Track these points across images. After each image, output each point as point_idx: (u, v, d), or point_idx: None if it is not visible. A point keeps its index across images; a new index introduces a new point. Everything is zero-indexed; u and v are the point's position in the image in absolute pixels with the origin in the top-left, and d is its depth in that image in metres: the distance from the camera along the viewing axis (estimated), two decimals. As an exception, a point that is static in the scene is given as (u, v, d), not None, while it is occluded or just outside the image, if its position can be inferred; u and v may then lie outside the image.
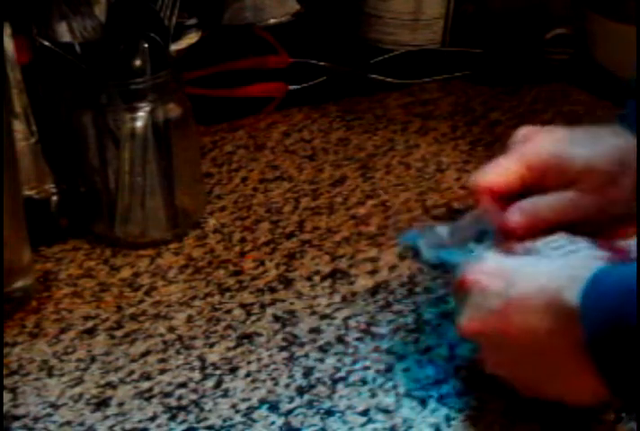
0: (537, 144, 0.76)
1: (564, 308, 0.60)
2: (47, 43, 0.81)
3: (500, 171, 0.75)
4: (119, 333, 0.75)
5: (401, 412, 0.67)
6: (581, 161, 0.73)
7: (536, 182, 0.74)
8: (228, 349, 0.73)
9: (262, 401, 0.68)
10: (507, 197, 0.75)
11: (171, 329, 0.75)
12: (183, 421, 0.67)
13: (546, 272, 0.64)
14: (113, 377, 0.71)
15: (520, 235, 0.73)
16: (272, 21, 1.12)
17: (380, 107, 1.06)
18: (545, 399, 0.65)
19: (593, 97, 1.06)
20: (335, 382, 0.70)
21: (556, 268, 0.64)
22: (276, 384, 0.70)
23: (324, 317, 0.76)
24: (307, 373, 0.71)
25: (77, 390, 0.70)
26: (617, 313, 0.57)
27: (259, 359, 0.72)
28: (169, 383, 0.70)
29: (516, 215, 0.74)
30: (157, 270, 0.82)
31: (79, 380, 0.70)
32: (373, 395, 0.69)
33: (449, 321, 0.72)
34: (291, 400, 0.68)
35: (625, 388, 0.59)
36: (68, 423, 0.67)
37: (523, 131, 0.77)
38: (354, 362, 0.72)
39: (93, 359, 0.72)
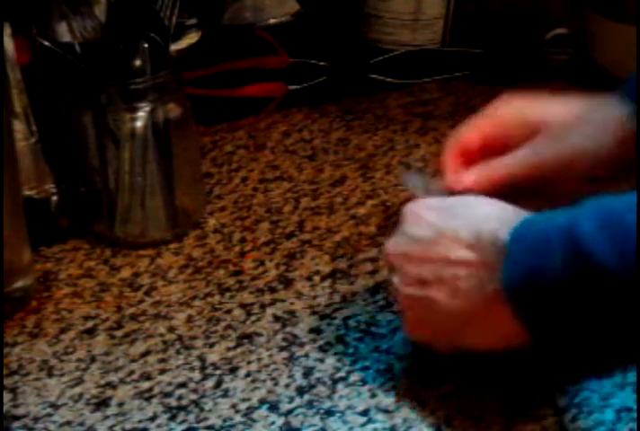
0: (507, 104, 0.76)
1: (490, 247, 0.61)
2: (47, 43, 0.81)
3: (464, 130, 0.76)
4: (119, 333, 0.75)
5: (401, 412, 0.67)
6: (537, 113, 0.73)
7: (499, 139, 0.74)
8: (228, 349, 0.73)
9: (262, 401, 0.68)
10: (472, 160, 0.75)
11: (171, 329, 0.75)
12: (183, 421, 0.67)
13: (483, 212, 0.64)
14: (113, 377, 0.71)
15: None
16: (272, 21, 1.12)
17: (380, 107, 1.06)
18: (460, 351, 0.66)
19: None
20: (335, 382, 0.70)
21: (494, 210, 0.65)
22: (276, 384, 0.70)
23: (324, 317, 0.76)
24: (307, 373, 0.71)
25: (77, 390, 0.70)
26: (540, 258, 0.58)
27: (259, 359, 0.72)
28: (169, 383, 0.70)
29: (471, 174, 0.73)
30: (157, 270, 0.82)
31: (79, 380, 0.70)
32: (373, 395, 0.69)
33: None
34: (291, 400, 0.68)
35: (541, 330, 0.59)
36: (68, 423, 0.67)
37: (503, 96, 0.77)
38: (354, 362, 0.72)
39: (93, 359, 0.72)
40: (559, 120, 0.72)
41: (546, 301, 0.58)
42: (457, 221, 0.64)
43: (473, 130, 0.76)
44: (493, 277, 0.60)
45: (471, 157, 0.75)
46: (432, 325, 0.66)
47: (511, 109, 0.75)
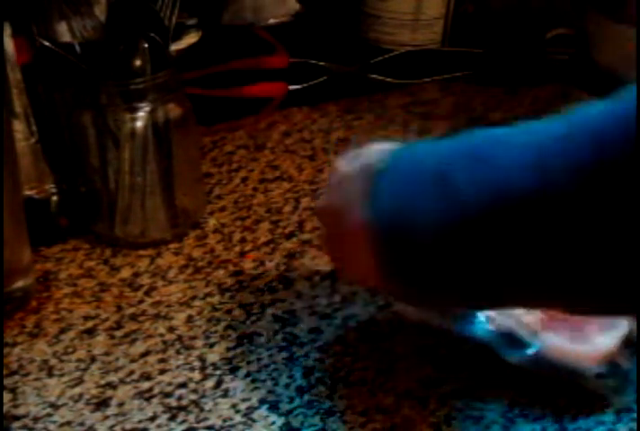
0: None
1: (367, 177, 0.60)
2: (47, 43, 0.81)
3: None
4: (119, 333, 0.75)
5: (401, 412, 0.67)
6: None
7: None
8: (228, 349, 0.73)
9: (262, 401, 0.68)
10: None
11: (171, 329, 0.75)
12: (183, 421, 0.67)
13: (377, 150, 0.64)
14: (113, 377, 0.71)
15: None
16: (272, 21, 1.12)
17: (380, 107, 1.06)
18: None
19: (593, 97, 1.06)
20: (335, 382, 0.70)
21: (387, 146, 0.64)
22: (276, 384, 0.70)
23: (324, 317, 0.76)
24: (307, 373, 0.71)
25: (77, 390, 0.70)
26: (409, 197, 0.56)
27: (259, 359, 0.72)
28: (169, 383, 0.70)
29: None
30: (157, 270, 0.82)
31: (79, 380, 0.71)
32: (373, 395, 0.69)
33: (449, 320, 0.73)
34: (291, 400, 0.68)
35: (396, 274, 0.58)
36: (68, 423, 0.67)
37: None
38: (354, 362, 0.72)
39: (93, 359, 0.72)
40: None
41: (408, 234, 0.56)
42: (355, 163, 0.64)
43: None
44: (362, 203, 0.59)
45: None
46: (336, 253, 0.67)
47: None
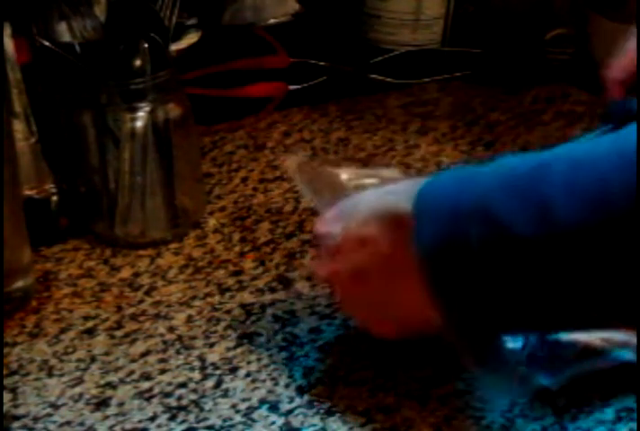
0: None
1: (398, 216, 0.60)
2: (47, 43, 0.81)
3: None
4: (119, 333, 0.75)
5: (401, 412, 0.67)
6: None
7: None
8: (228, 349, 0.73)
9: (262, 401, 0.68)
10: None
11: (171, 329, 0.75)
12: (183, 421, 0.67)
13: (384, 191, 0.64)
14: (113, 377, 0.71)
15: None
16: (272, 21, 1.12)
17: (380, 107, 1.06)
18: (387, 336, 0.66)
19: (593, 97, 1.06)
20: (335, 382, 0.70)
21: (393, 188, 0.64)
22: (276, 384, 0.70)
23: (324, 317, 0.76)
24: (307, 373, 0.71)
25: (77, 390, 0.70)
26: (450, 226, 0.56)
27: (259, 359, 0.72)
28: (169, 383, 0.70)
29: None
30: (157, 270, 0.82)
31: (79, 380, 0.70)
32: (373, 395, 0.69)
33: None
34: (291, 400, 0.68)
35: (453, 302, 0.58)
36: (68, 423, 0.67)
37: None
38: (354, 362, 0.72)
39: (93, 359, 0.72)
40: None
41: (460, 269, 0.56)
42: (361, 208, 0.64)
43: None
44: (403, 242, 0.59)
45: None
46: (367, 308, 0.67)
47: None
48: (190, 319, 0.76)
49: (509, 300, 0.56)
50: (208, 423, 0.67)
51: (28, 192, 0.81)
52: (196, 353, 0.73)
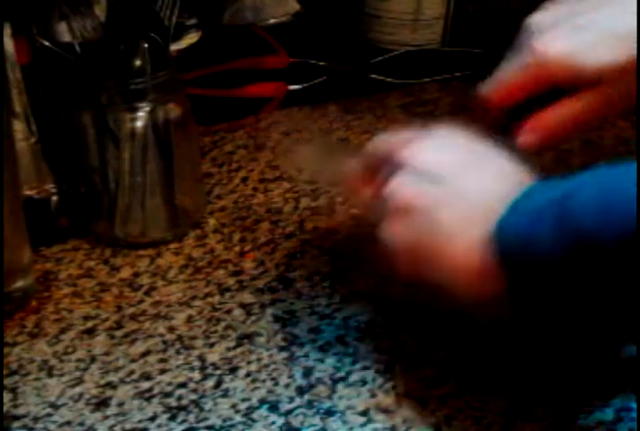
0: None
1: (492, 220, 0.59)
2: (47, 43, 0.81)
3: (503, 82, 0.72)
4: (119, 333, 0.75)
5: (401, 412, 0.67)
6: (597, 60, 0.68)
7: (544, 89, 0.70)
8: (228, 349, 0.73)
9: (262, 401, 0.68)
10: (513, 110, 0.71)
11: (171, 329, 0.75)
12: (183, 421, 0.67)
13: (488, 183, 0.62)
14: (113, 377, 0.71)
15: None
16: (272, 21, 1.12)
17: (380, 107, 1.06)
18: (420, 282, 0.63)
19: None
20: (335, 382, 0.70)
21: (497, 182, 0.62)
22: (276, 384, 0.70)
23: (324, 317, 0.76)
24: (307, 373, 0.71)
25: (77, 390, 0.70)
26: (530, 229, 0.56)
27: (259, 359, 0.72)
28: (169, 383, 0.70)
29: (530, 134, 0.70)
30: (157, 270, 0.82)
31: (79, 380, 0.71)
32: (373, 395, 0.69)
33: (449, 321, 0.73)
34: (291, 400, 0.68)
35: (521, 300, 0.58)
36: (68, 423, 0.67)
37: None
38: (354, 362, 0.72)
39: (93, 359, 0.72)
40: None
41: (533, 271, 0.56)
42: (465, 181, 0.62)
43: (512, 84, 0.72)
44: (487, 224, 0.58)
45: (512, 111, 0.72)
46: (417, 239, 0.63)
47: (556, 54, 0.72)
48: (190, 319, 0.76)
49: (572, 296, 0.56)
50: (208, 423, 0.67)
51: (28, 192, 0.81)
52: (196, 353, 0.73)
